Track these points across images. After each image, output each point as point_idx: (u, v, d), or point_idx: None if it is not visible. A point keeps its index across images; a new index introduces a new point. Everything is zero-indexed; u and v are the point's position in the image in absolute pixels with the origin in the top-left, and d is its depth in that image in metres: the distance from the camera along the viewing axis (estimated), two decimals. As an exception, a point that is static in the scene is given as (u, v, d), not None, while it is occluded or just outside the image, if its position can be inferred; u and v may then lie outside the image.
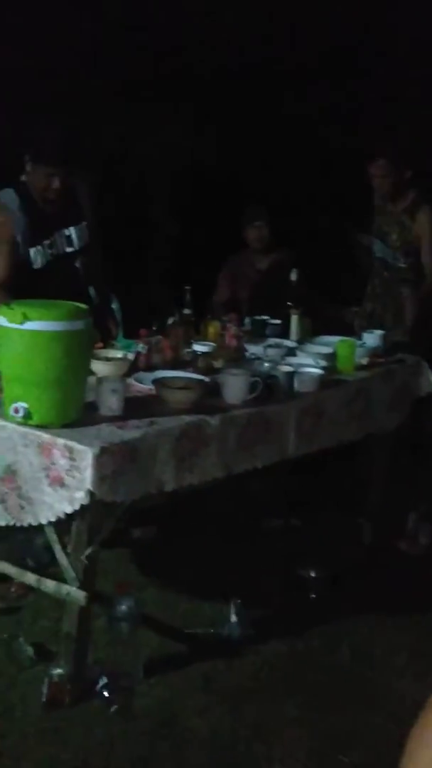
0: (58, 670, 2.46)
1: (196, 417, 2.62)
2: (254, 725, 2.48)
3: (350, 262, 4.70)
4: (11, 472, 2.45)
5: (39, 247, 3.28)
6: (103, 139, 5.69)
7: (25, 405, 2.38)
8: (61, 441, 2.35)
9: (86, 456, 2.30)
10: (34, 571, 2.70)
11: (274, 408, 2.87)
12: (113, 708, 2.45)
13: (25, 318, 2.34)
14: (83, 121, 5.22)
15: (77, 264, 3.39)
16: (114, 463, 2.35)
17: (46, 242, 3.29)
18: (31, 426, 2.41)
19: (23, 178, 3.29)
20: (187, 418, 2.60)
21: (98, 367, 2.73)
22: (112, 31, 5.99)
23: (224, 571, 3.23)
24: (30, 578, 2.62)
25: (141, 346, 3.08)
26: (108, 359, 2.85)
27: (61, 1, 5.78)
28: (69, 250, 3.35)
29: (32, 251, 3.27)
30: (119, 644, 2.72)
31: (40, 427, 2.41)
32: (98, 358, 2.79)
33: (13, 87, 5.65)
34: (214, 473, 2.69)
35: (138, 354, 3.03)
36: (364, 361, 3.34)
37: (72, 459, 2.33)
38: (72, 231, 3.34)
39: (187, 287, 3.34)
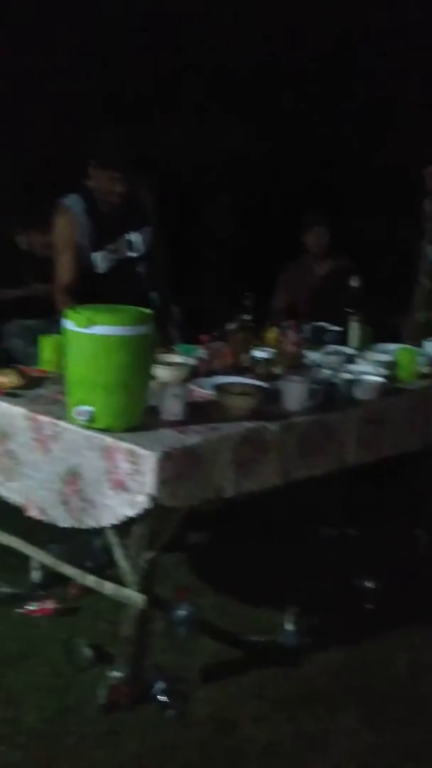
0: (117, 673, 2.47)
1: (256, 423, 2.62)
2: (311, 735, 2.46)
3: (406, 269, 4.66)
4: (74, 475, 2.48)
5: (103, 252, 3.31)
6: (160, 144, 5.73)
7: (90, 408, 2.41)
8: (123, 445, 2.37)
9: (149, 460, 2.31)
10: (93, 573, 2.71)
11: (334, 416, 2.85)
12: (170, 713, 2.45)
13: (92, 322, 2.36)
14: (139, 127, 5.27)
15: (140, 269, 3.42)
16: (175, 467, 2.35)
17: (110, 246, 3.33)
18: (94, 429, 2.44)
19: (88, 183, 3.33)
20: (247, 424, 2.60)
21: (160, 371, 2.75)
22: (158, 34, 6.03)
23: (280, 578, 3.21)
24: (90, 580, 2.64)
25: (202, 352, 3.09)
26: (169, 364, 2.86)
27: (113, 8, 5.84)
28: (132, 254, 3.38)
29: (96, 255, 3.31)
30: (176, 649, 2.73)
31: (103, 430, 2.43)
32: (160, 363, 2.80)
33: (69, 93, 5.73)
34: (273, 480, 2.68)
35: (199, 359, 3.04)
36: (425, 369, 3.30)
37: (134, 463, 2.34)
38: (135, 236, 3.37)
39: (247, 293, 3.34)
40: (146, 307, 2.67)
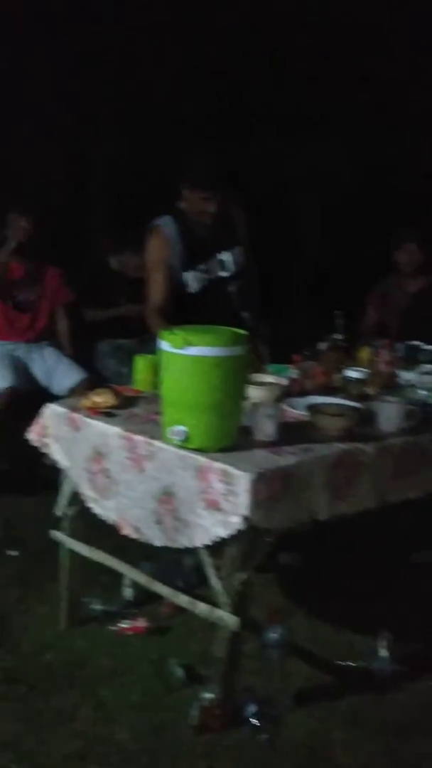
0: (209, 694, 2.46)
1: (350, 445, 2.58)
2: (407, 765, 2.39)
3: None
4: (168, 494, 2.49)
5: (194, 272, 3.34)
6: (250, 163, 5.77)
7: (184, 428, 2.42)
8: (217, 465, 2.37)
9: (243, 481, 2.30)
10: (183, 592, 2.72)
11: (430, 437, 2.79)
12: (262, 736, 2.43)
13: (187, 343, 2.38)
14: (229, 146, 5.31)
15: (231, 288, 3.43)
16: (269, 489, 2.34)
17: (202, 267, 3.35)
18: (189, 449, 2.45)
19: (180, 204, 3.37)
20: (341, 446, 2.56)
21: (252, 391, 2.74)
22: (261, 57, 6.08)
23: (372, 602, 3.16)
24: (183, 600, 2.64)
25: (293, 371, 3.08)
26: (262, 384, 2.85)
27: (212, 30, 5.92)
28: (223, 274, 3.40)
29: (188, 275, 3.34)
30: (268, 672, 2.70)
31: (197, 450, 2.44)
32: (252, 383, 2.80)
33: (162, 118, 5.83)
34: (368, 503, 2.63)
35: (290, 379, 3.03)
36: None
37: (228, 483, 2.34)
38: (226, 255, 3.40)
39: (338, 312, 3.31)
40: (238, 326, 2.68)
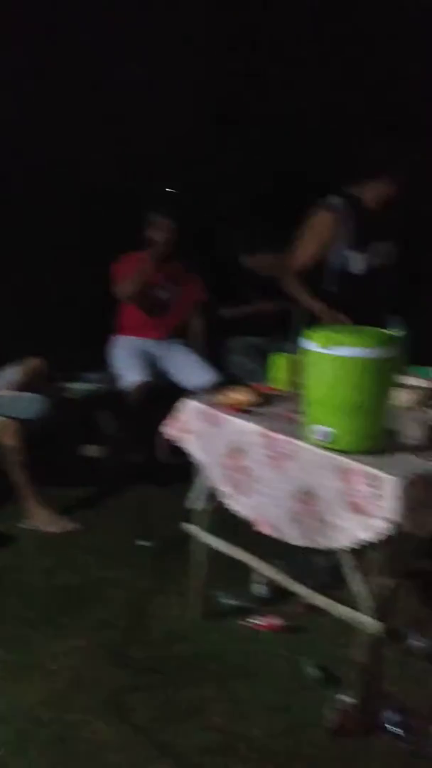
0: (346, 698, 2.43)
1: None
2: None
3: None
4: (309, 494, 2.47)
5: (360, 254, 3.53)
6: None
7: (330, 429, 2.39)
8: (363, 468, 2.33)
9: (390, 485, 2.26)
10: (321, 593, 2.68)
11: None
12: (403, 746, 2.37)
13: (334, 343, 2.35)
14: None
15: (387, 277, 3.53)
16: (417, 494, 2.28)
17: (367, 250, 3.54)
18: (333, 450, 2.42)
19: (351, 190, 3.55)
20: None
21: (398, 394, 2.68)
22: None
23: None
24: (321, 601, 2.62)
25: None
26: (408, 387, 2.79)
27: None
28: (384, 262, 3.54)
29: (353, 256, 3.52)
30: (411, 681, 2.64)
31: (341, 452, 2.41)
32: (399, 386, 2.73)
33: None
34: None
35: (433, 381, 2.95)
36: None
37: (374, 487, 2.30)
38: (385, 246, 3.51)
39: None
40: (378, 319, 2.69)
